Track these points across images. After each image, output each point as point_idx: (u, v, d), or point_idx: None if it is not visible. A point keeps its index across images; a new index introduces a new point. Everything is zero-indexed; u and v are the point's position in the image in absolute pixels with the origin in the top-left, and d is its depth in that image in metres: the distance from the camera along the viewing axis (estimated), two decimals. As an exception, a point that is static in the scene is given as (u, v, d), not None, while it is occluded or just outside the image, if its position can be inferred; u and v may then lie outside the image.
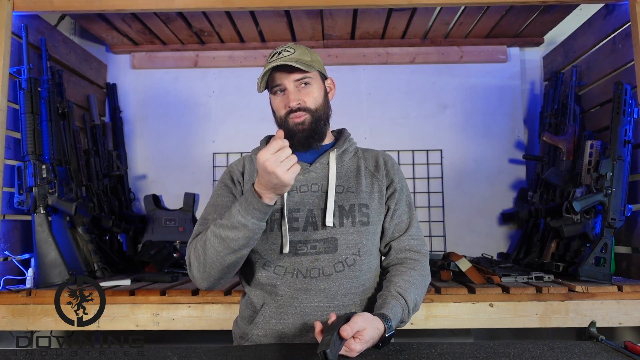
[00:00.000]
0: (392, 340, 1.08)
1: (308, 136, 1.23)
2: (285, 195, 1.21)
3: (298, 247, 1.19)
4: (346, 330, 0.95)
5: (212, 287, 1.19)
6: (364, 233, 1.22)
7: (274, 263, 1.20)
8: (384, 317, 1.06)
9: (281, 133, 1.06)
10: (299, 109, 1.21)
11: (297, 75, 1.22)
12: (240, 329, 1.25)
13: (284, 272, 1.19)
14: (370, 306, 1.23)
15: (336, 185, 1.24)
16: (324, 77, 1.30)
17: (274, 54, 1.23)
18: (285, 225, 1.19)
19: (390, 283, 1.19)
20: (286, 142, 1.02)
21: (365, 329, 0.99)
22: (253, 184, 1.08)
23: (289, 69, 1.20)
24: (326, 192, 1.22)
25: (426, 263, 1.28)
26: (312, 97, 1.23)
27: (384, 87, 3.01)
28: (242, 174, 1.30)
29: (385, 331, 1.04)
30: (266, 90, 1.29)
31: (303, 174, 1.24)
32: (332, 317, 1.02)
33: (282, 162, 1.00)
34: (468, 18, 2.71)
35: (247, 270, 1.27)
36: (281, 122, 1.25)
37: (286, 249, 1.18)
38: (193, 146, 3.00)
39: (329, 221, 1.19)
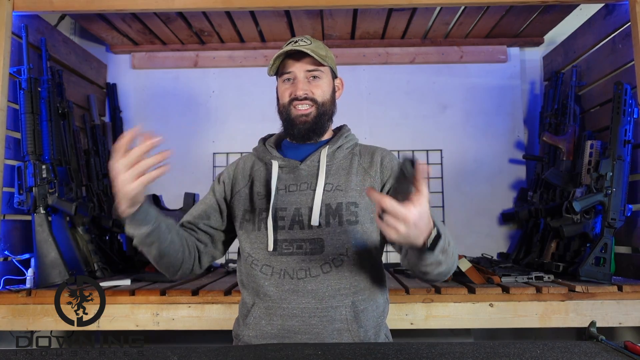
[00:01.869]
0: (440, 248, 0.96)
1: (309, 129, 1.23)
2: (273, 193, 1.20)
3: (284, 246, 1.18)
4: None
5: (175, 278, 1.31)
6: (352, 232, 1.18)
7: (261, 262, 1.20)
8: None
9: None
10: (305, 98, 1.21)
11: (309, 67, 1.21)
12: (236, 330, 1.26)
13: (271, 272, 1.18)
14: (365, 308, 1.19)
15: (325, 184, 1.21)
16: (334, 76, 1.30)
17: (290, 42, 1.23)
18: (270, 223, 1.18)
19: None
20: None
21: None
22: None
23: (301, 59, 1.20)
24: (314, 191, 1.20)
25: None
26: (320, 90, 1.23)
27: (384, 87, 3.02)
28: (233, 173, 1.31)
29: (433, 228, 0.94)
30: (270, 79, 1.30)
31: (293, 172, 1.24)
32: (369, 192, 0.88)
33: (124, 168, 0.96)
34: (468, 18, 2.71)
35: (241, 269, 1.27)
36: (283, 110, 1.25)
37: (270, 247, 1.17)
38: (193, 146, 3.00)
39: (315, 220, 1.17)
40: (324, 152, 1.25)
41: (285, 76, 1.23)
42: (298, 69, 1.21)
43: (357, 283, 1.19)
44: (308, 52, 1.18)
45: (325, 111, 1.25)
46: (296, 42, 1.22)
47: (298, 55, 1.21)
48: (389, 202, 0.83)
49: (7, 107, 2.04)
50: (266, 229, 1.19)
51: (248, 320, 1.20)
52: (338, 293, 1.17)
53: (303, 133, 1.23)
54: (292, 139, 1.27)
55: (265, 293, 1.18)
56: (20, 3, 2.08)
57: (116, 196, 1.00)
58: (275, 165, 1.24)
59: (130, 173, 0.95)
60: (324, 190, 1.20)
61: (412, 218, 0.84)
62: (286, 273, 1.17)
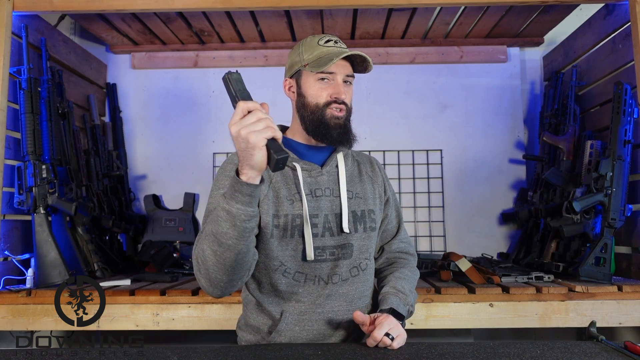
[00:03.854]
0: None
1: (343, 132, 1.21)
2: (305, 199, 1.17)
3: (317, 253, 1.17)
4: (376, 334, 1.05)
5: (224, 294, 1.07)
6: (372, 238, 1.25)
7: (294, 269, 1.17)
8: (392, 311, 1.14)
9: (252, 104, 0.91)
10: (342, 102, 1.20)
11: (349, 71, 1.21)
12: (255, 339, 1.21)
13: (305, 279, 1.18)
14: (373, 307, 1.27)
15: (346, 191, 1.23)
16: None
17: (330, 40, 1.21)
18: (309, 231, 1.16)
19: (387, 282, 1.27)
20: (256, 105, 0.90)
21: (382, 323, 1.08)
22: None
23: (343, 62, 1.20)
24: (338, 197, 1.21)
25: (414, 262, 1.37)
26: (350, 96, 1.24)
27: (384, 87, 3.02)
28: None
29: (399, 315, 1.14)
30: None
31: (316, 177, 1.22)
32: (357, 316, 1.08)
33: (249, 124, 0.88)
34: (468, 18, 2.71)
35: (260, 278, 1.21)
36: (316, 110, 1.20)
37: (311, 256, 1.15)
38: (193, 146, 3.01)
39: (346, 227, 1.19)
40: (341, 158, 1.26)
41: (325, 76, 1.20)
42: (341, 71, 1.20)
43: (371, 285, 1.28)
44: (367, 57, 1.19)
45: (350, 116, 1.24)
46: (335, 42, 1.22)
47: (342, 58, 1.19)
48: (374, 342, 1.05)
49: (7, 107, 2.03)
50: (301, 236, 1.17)
51: (280, 328, 1.16)
52: (363, 294, 1.23)
53: (340, 137, 1.21)
54: (326, 142, 1.22)
55: (297, 300, 1.18)
56: (20, 3, 2.08)
57: (247, 156, 0.90)
58: (299, 169, 1.21)
59: (263, 123, 0.89)
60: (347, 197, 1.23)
61: (396, 345, 1.06)
62: (321, 279, 1.18)
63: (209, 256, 1.01)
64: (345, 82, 1.22)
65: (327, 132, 1.20)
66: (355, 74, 1.26)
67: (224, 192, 0.98)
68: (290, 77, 1.26)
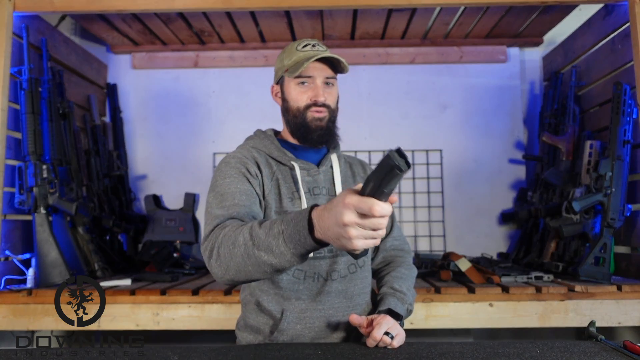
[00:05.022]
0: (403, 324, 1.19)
1: (325, 134, 1.23)
2: (304, 197, 1.19)
3: (315, 251, 1.18)
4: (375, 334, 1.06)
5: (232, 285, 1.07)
6: None
7: (294, 267, 1.15)
8: (390, 312, 1.14)
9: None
10: (323, 104, 1.21)
11: (329, 73, 1.22)
12: (256, 340, 1.21)
13: (304, 276, 1.19)
14: (372, 304, 1.28)
15: (342, 190, 1.25)
16: None
17: (307, 45, 1.22)
18: None
19: (385, 282, 1.28)
20: (389, 211, 0.76)
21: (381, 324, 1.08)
22: (312, 208, 0.84)
23: (322, 64, 1.21)
24: (334, 196, 1.21)
25: (410, 258, 1.37)
26: (332, 97, 1.24)
27: (384, 87, 3.02)
28: (256, 169, 1.19)
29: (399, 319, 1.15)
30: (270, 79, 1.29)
31: (313, 176, 1.24)
32: (353, 319, 1.09)
33: (367, 231, 0.77)
34: (468, 18, 2.71)
35: None
36: (297, 113, 1.23)
37: (311, 253, 1.14)
38: (193, 146, 3.01)
39: None
40: (335, 158, 1.28)
41: (304, 79, 1.21)
42: (319, 74, 1.21)
43: (369, 282, 1.29)
44: (340, 58, 1.19)
45: (334, 117, 1.26)
46: (314, 45, 1.22)
47: (317, 61, 1.20)
48: (374, 342, 1.05)
49: (8, 108, 2.04)
50: None
51: (282, 327, 1.17)
52: (362, 291, 1.25)
53: (321, 139, 1.23)
54: (307, 144, 1.25)
55: (298, 297, 1.19)
56: (21, 3, 2.08)
57: (337, 244, 0.81)
58: (297, 168, 1.23)
59: (380, 233, 0.79)
60: None
61: (396, 344, 1.07)
62: (320, 276, 1.19)
63: (237, 264, 0.94)
64: (326, 83, 1.23)
65: (307, 134, 1.22)
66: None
67: (284, 229, 0.87)
68: (276, 84, 1.30)
